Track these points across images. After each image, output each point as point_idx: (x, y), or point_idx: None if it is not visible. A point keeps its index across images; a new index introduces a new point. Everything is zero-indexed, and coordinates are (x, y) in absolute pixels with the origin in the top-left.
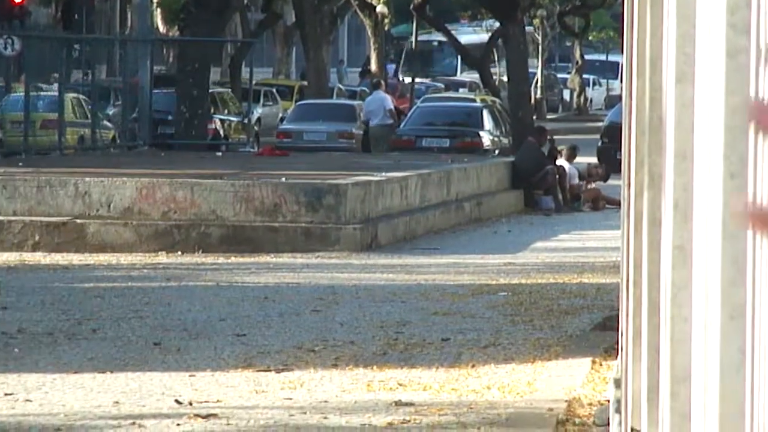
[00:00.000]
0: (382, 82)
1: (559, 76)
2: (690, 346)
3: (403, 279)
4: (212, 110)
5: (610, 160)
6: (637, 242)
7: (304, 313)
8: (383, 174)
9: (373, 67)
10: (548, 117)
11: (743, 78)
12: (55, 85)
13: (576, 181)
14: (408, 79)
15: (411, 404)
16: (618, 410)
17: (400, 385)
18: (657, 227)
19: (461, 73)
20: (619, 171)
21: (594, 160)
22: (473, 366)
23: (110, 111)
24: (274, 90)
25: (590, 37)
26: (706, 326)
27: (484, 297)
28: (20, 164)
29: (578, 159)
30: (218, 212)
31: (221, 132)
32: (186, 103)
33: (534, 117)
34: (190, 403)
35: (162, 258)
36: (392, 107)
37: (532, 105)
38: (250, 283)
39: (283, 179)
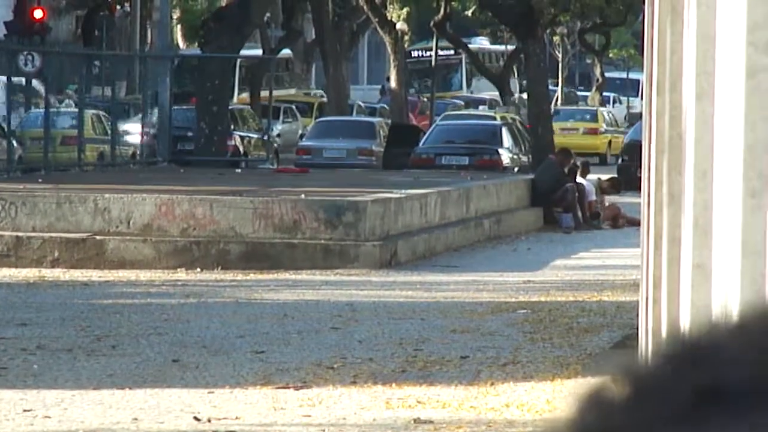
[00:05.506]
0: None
1: (580, 93)
2: None
3: (422, 296)
4: (232, 127)
5: (631, 178)
6: (657, 260)
7: (323, 330)
8: (403, 191)
9: (393, 84)
10: None
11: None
12: (72, 101)
13: (593, 198)
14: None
15: (430, 422)
16: None
17: (419, 402)
18: (677, 245)
19: (468, 89)
20: (639, 189)
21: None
22: (492, 384)
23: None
24: (294, 106)
25: (610, 55)
26: None
27: (503, 315)
28: (40, 180)
29: (597, 176)
30: (237, 229)
31: (241, 148)
32: (206, 120)
33: (554, 135)
34: (209, 420)
35: (181, 275)
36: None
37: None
38: (269, 300)
39: (303, 196)
